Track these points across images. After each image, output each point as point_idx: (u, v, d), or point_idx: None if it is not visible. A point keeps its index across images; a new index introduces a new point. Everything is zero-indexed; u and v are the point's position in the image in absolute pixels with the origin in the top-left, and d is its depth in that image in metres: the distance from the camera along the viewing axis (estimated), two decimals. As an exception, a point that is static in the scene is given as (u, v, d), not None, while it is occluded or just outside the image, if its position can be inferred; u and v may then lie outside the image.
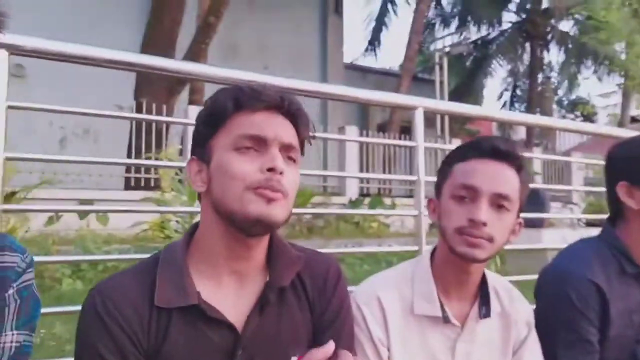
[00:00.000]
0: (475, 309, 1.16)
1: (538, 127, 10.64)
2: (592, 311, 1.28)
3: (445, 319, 1.12)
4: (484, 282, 1.18)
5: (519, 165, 1.13)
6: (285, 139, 0.90)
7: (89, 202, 6.81)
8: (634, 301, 1.34)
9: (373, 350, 1.08)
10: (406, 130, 14.70)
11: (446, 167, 1.18)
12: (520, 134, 19.56)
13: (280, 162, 0.87)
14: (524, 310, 1.23)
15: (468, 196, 1.09)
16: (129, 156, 8.23)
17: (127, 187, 8.43)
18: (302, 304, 0.98)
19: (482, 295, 1.17)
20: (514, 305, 1.21)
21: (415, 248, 1.95)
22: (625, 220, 1.40)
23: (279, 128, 0.90)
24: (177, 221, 4.66)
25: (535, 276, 1.42)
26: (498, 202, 1.09)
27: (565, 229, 6.57)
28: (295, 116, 0.94)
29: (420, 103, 1.98)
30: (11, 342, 0.76)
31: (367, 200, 9.00)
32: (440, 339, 1.13)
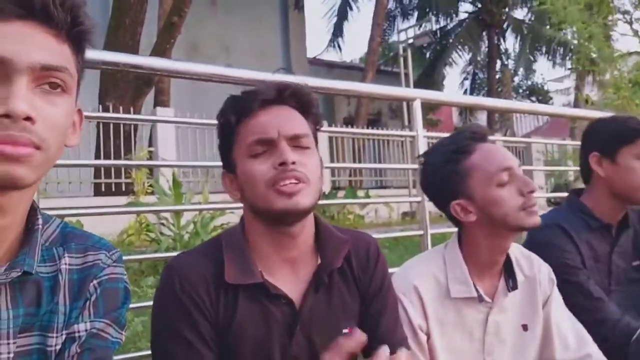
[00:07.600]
0: (502, 282, 1.25)
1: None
2: (576, 255, 1.48)
3: (480, 298, 1.20)
4: (507, 256, 1.26)
5: None
6: (289, 132, 0.95)
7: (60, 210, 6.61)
8: (601, 252, 1.53)
9: (412, 336, 1.15)
10: (373, 123, 14.89)
11: (453, 165, 1.22)
12: (481, 119, 20.08)
13: (288, 155, 0.92)
14: (545, 269, 1.33)
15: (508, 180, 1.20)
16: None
17: (97, 193, 8.24)
18: (349, 281, 1.05)
19: (507, 269, 1.25)
20: (535, 267, 1.31)
21: (421, 232, 2.03)
22: (591, 187, 1.60)
23: (282, 122, 0.95)
24: (162, 223, 4.59)
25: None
26: None
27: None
28: (299, 102, 0.99)
29: (419, 95, 2.09)
30: (85, 330, 0.73)
31: (340, 193, 9.08)
32: (474, 315, 1.21)
